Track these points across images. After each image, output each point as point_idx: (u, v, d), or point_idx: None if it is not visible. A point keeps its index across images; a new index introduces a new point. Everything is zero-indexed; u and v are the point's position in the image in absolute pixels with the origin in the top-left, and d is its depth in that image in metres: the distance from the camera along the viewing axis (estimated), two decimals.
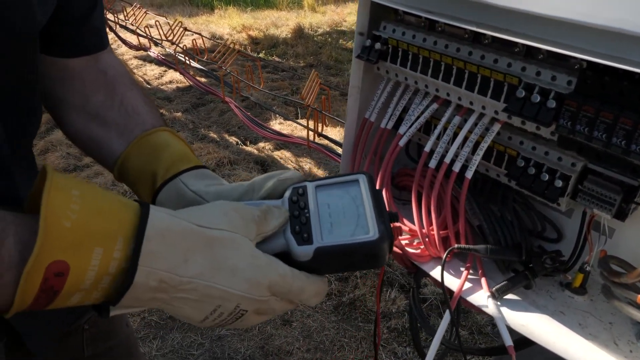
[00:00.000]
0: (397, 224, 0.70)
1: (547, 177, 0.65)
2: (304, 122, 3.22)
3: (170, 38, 3.42)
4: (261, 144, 3.18)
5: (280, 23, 6.25)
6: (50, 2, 0.56)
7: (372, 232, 0.51)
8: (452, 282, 0.68)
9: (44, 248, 0.37)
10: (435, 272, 0.70)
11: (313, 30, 5.94)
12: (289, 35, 5.72)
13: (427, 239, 0.71)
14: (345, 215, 0.54)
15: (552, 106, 0.55)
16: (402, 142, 0.75)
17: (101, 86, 0.67)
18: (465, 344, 1.04)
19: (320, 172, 2.86)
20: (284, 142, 2.94)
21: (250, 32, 5.85)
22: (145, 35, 4.15)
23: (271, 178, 0.59)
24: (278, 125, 3.44)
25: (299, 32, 5.70)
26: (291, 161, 2.98)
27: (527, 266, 0.68)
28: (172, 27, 3.21)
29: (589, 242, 0.68)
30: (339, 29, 6.12)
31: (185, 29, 3.15)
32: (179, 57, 3.21)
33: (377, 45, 0.72)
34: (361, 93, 0.80)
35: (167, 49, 4.18)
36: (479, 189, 0.77)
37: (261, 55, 5.16)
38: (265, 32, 5.91)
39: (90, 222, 0.40)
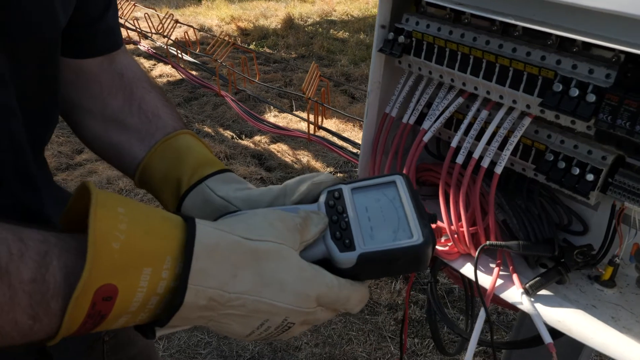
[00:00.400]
0: (437, 225, 0.69)
1: (577, 171, 0.64)
2: (300, 114, 3.20)
3: (160, 31, 3.37)
4: (257, 138, 3.15)
5: (269, 14, 6.19)
6: (70, 3, 0.54)
7: (415, 235, 0.50)
8: (484, 279, 0.67)
9: (92, 272, 0.35)
10: (466, 270, 0.70)
11: (303, 21, 5.90)
12: (279, 26, 5.67)
13: (456, 236, 0.69)
14: (385, 218, 0.53)
15: (591, 100, 0.54)
16: (426, 138, 0.73)
17: (119, 89, 0.65)
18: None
19: (318, 165, 2.84)
20: (280, 135, 2.92)
21: (240, 24, 5.79)
22: (134, 28, 4.08)
23: (304, 181, 0.57)
24: (273, 118, 3.41)
25: (288, 22, 5.65)
26: (288, 154, 2.96)
27: (559, 261, 0.67)
28: (162, 20, 3.16)
29: (619, 234, 0.67)
30: (329, 18, 6.07)
31: (177, 21, 3.10)
32: (170, 50, 3.16)
33: (401, 39, 0.71)
34: (381, 88, 0.78)
35: (157, 42, 4.12)
36: (503, 184, 0.76)
37: (252, 46, 5.11)
38: (255, 23, 5.85)
39: (139, 241, 0.38)
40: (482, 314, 0.63)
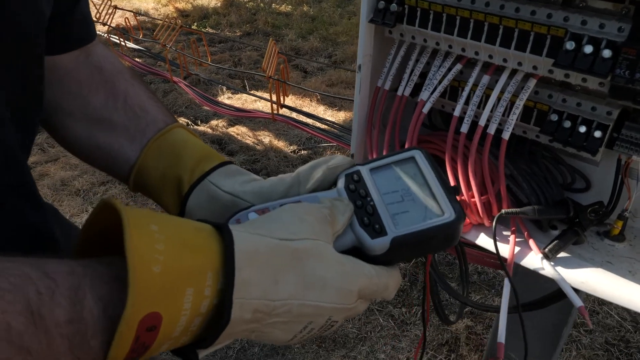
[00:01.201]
0: (460, 197, 0.67)
1: (584, 128, 0.64)
2: (255, 93, 3.12)
3: (98, 18, 3.18)
4: (214, 122, 3.06)
5: None
6: None
7: (447, 212, 0.47)
8: (501, 248, 0.66)
9: (136, 303, 0.30)
10: (482, 241, 0.68)
11: None
12: (219, 4, 5.48)
13: (468, 207, 0.68)
14: (411, 197, 0.50)
15: (607, 56, 0.53)
16: (425, 109, 0.71)
17: (99, 85, 0.58)
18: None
19: (282, 144, 2.79)
20: (238, 117, 2.84)
21: (177, 5, 5.56)
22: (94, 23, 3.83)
23: (318, 167, 0.53)
24: (227, 99, 3.31)
25: (228, 0, 5.47)
26: (249, 136, 2.89)
27: (572, 221, 0.67)
28: (99, 8, 2.98)
29: (627, 188, 0.67)
30: None
31: (116, 7, 2.93)
32: (112, 38, 3.00)
33: (393, 7, 0.67)
34: (372, 61, 0.75)
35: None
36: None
37: (194, 27, 4.93)
38: (193, 3, 5.63)
39: (178, 261, 0.34)
40: (506, 284, 0.62)
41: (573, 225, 0.65)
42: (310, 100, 3.26)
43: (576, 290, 0.62)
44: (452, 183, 0.68)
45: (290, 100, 3.18)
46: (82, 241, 0.37)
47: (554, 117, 0.66)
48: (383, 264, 0.48)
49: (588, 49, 0.54)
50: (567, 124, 0.65)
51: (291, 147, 2.77)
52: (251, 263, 0.38)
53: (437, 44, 0.68)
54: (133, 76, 0.62)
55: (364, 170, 0.52)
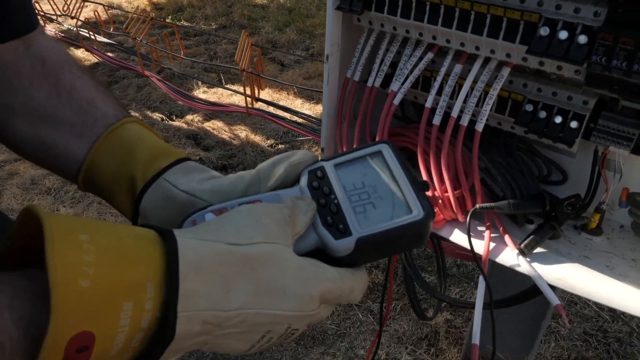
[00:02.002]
0: (430, 193, 0.64)
1: (560, 119, 0.61)
2: (231, 87, 3.07)
3: (67, 12, 3.09)
4: (189, 117, 2.99)
5: None
6: None
7: (415, 210, 0.44)
8: (476, 244, 0.64)
9: (60, 323, 0.27)
10: (456, 237, 0.65)
11: None
12: None
13: (441, 202, 0.65)
14: (378, 194, 0.47)
15: (583, 42, 0.50)
16: (396, 101, 0.68)
17: (42, 78, 0.54)
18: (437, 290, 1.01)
19: (258, 138, 2.74)
20: (214, 111, 2.78)
21: None
22: (35, 11, 3.72)
23: (280, 163, 0.50)
24: (203, 94, 3.24)
25: None
26: (225, 131, 2.83)
27: (549, 215, 0.64)
28: (68, 1, 2.89)
29: (605, 180, 0.65)
30: None
31: (86, 0, 2.84)
32: (81, 32, 2.91)
33: None
34: (340, 51, 0.71)
35: (64, 24, 3.79)
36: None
37: (169, 20, 4.83)
38: None
39: (112, 273, 0.30)
40: (481, 282, 0.60)
41: (549, 220, 0.63)
42: (288, 94, 3.21)
43: (553, 287, 0.60)
44: (424, 177, 0.66)
45: (266, 94, 3.13)
46: (9, 258, 0.33)
47: (529, 108, 0.63)
48: (348, 266, 0.45)
49: (563, 34, 0.51)
50: (543, 114, 0.62)
51: (268, 141, 2.73)
52: (198, 272, 0.35)
53: (407, 31, 0.65)
54: (80, 68, 0.57)
55: (328, 166, 0.49)
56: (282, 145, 2.71)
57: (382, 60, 0.69)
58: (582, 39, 0.50)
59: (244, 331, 0.38)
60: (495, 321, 1.09)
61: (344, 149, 0.74)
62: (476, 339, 0.55)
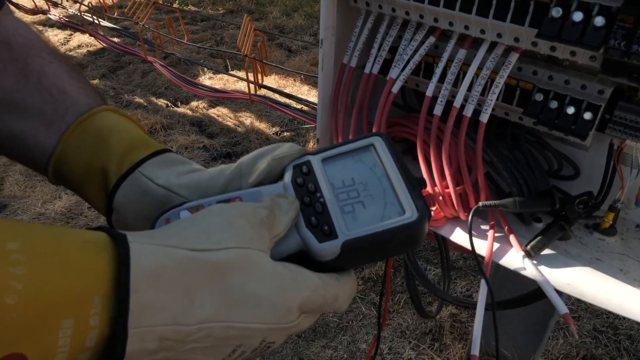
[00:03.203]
0: (426, 191, 0.59)
1: (572, 109, 0.56)
2: (237, 73, 3.02)
3: None
4: (194, 103, 2.95)
5: None
6: None
7: (408, 211, 0.40)
8: (478, 245, 0.59)
9: None
10: (457, 236, 0.61)
11: None
12: None
13: (441, 198, 0.60)
14: (369, 192, 0.42)
15: (600, 24, 0.45)
16: (395, 89, 0.63)
17: (8, 63, 0.50)
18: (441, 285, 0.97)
19: (262, 126, 2.70)
20: (219, 98, 2.74)
21: None
22: None
23: (262, 157, 0.45)
24: (208, 80, 3.20)
25: None
26: (230, 118, 2.79)
27: (558, 214, 0.59)
28: None
29: (620, 176, 0.60)
30: None
31: None
32: (85, 17, 2.86)
33: None
34: (336, 35, 0.66)
35: (70, 9, 3.75)
36: (484, 132, 0.67)
37: (175, 5, 4.78)
38: None
39: (48, 286, 0.26)
40: (483, 286, 0.55)
41: (559, 219, 0.58)
42: (294, 80, 3.16)
43: (561, 293, 0.55)
44: (424, 171, 0.61)
45: (273, 80, 3.08)
46: None
47: (539, 97, 0.58)
48: (334, 271, 0.41)
49: (577, 16, 0.46)
50: (554, 104, 0.57)
51: (273, 129, 2.68)
52: (156, 282, 0.31)
53: (407, 13, 0.60)
54: (51, 53, 0.53)
55: (315, 161, 0.44)
56: (288, 133, 2.66)
57: (380, 45, 0.64)
58: (599, 20, 0.45)
59: (211, 346, 0.34)
60: (500, 321, 1.04)
61: (340, 140, 0.69)
62: (475, 349, 0.50)
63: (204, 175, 0.47)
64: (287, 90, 2.98)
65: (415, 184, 0.42)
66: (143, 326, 0.30)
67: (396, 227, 0.39)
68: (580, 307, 1.62)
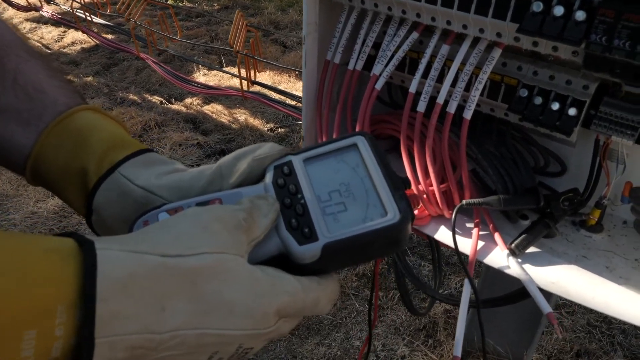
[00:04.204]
0: (411, 191, 0.58)
1: (557, 105, 0.55)
2: (231, 70, 3.00)
3: None
4: (188, 100, 2.93)
5: None
6: None
7: (390, 212, 0.39)
8: (463, 243, 0.58)
9: None
10: (441, 235, 0.60)
11: None
12: None
13: (425, 196, 0.60)
14: (351, 193, 0.41)
15: (581, 18, 0.44)
16: (378, 85, 0.62)
17: None
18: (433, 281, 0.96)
19: (257, 122, 2.69)
20: (210, 95, 2.72)
21: None
22: None
23: (243, 157, 0.44)
24: (203, 76, 3.18)
25: None
26: (224, 114, 2.78)
27: (543, 212, 0.59)
28: None
29: (606, 172, 0.59)
30: None
31: None
32: (78, 14, 2.85)
33: None
34: (319, 31, 0.65)
35: (63, 6, 3.73)
36: (470, 129, 0.66)
37: (170, 1, 4.75)
38: None
39: (7, 297, 0.26)
40: (466, 286, 0.55)
41: (544, 217, 0.57)
42: (289, 76, 3.14)
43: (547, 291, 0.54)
44: (407, 170, 0.60)
45: (267, 76, 3.07)
46: None
47: (524, 93, 0.57)
48: (315, 274, 0.40)
49: (558, 10, 0.45)
50: (538, 100, 0.56)
51: (268, 125, 2.67)
52: (124, 291, 0.30)
53: (390, 9, 0.59)
54: (29, 51, 0.52)
55: (297, 161, 0.43)
56: (282, 129, 2.65)
57: (363, 41, 0.63)
58: (580, 15, 0.44)
59: (185, 353, 0.33)
60: (492, 317, 1.04)
61: (324, 139, 0.69)
62: (458, 350, 0.50)
63: (185, 176, 0.46)
64: (281, 86, 2.96)
65: (398, 185, 0.41)
66: (112, 335, 0.29)
67: (377, 229, 0.39)
68: (573, 302, 1.62)
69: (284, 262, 0.39)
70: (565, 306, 1.60)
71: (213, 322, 0.33)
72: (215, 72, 3.16)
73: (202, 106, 2.89)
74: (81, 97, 0.53)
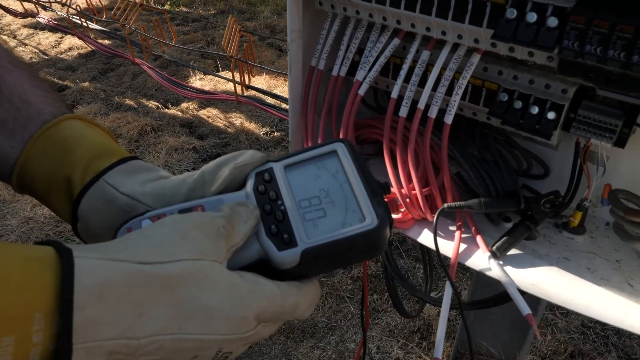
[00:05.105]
0: (391, 196, 0.59)
1: (536, 109, 0.56)
2: (226, 74, 3.01)
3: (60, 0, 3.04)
4: (184, 105, 2.94)
5: None
6: None
7: (368, 218, 0.40)
8: (445, 246, 0.59)
9: None
10: (424, 238, 0.61)
11: None
12: None
13: (408, 200, 0.60)
14: (330, 199, 0.42)
15: (553, 25, 0.45)
16: (362, 91, 0.63)
17: None
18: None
19: (252, 126, 2.69)
20: (208, 99, 2.73)
21: None
22: None
23: (225, 165, 0.45)
24: (199, 81, 3.20)
25: None
26: (220, 119, 2.78)
27: (525, 214, 0.59)
28: None
29: (587, 175, 0.60)
30: None
31: None
32: (74, 20, 2.85)
33: None
34: (303, 37, 0.66)
35: (59, 12, 3.74)
36: (453, 132, 0.67)
37: (166, 7, 4.77)
38: None
39: None
40: (448, 288, 0.55)
41: (525, 219, 0.58)
42: (285, 80, 3.15)
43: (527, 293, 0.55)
44: (390, 174, 0.61)
45: (263, 81, 3.08)
46: None
47: (504, 97, 0.58)
48: (295, 279, 0.41)
49: (532, 17, 0.46)
50: (518, 104, 0.57)
51: (263, 129, 2.68)
52: (102, 298, 0.30)
53: (371, 16, 0.60)
54: (13, 61, 0.52)
55: (278, 168, 0.44)
56: (278, 133, 2.66)
57: (347, 47, 0.64)
58: (553, 21, 0.45)
59: (164, 358, 0.34)
60: (485, 318, 1.04)
61: (310, 144, 0.69)
62: (438, 353, 0.50)
63: (168, 184, 0.47)
64: (277, 90, 2.97)
65: (377, 190, 0.42)
66: (90, 341, 0.30)
67: (355, 234, 0.39)
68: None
69: (265, 267, 0.40)
70: (559, 307, 1.60)
71: (192, 327, 0.34)
72: (211, 76, 3.17)
73: (198, 111, 2.90)
74: (66, 106, 0.53)
